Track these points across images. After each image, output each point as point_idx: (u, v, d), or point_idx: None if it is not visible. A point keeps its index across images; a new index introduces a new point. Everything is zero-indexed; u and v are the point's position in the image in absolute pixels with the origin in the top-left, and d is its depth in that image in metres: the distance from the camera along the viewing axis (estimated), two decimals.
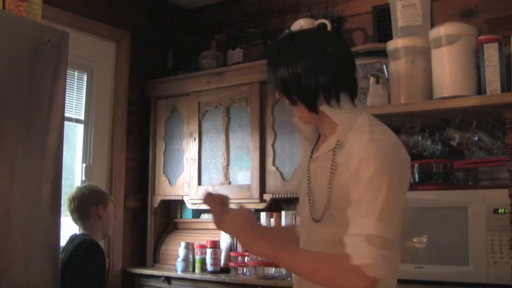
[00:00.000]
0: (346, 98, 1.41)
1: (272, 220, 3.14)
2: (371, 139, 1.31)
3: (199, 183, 3.40)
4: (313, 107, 1.42)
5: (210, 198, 1.50)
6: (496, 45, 2.27)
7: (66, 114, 2.18)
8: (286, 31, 3.24)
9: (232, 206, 1.48)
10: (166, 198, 3.58)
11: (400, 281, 1.41)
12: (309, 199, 1.46)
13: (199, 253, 3.28)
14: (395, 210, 1.28)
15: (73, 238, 2.51)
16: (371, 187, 1.26)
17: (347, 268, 1.24)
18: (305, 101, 1.41)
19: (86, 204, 2.54)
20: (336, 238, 1.32)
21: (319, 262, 1.31)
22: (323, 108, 1.41)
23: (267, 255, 1.36)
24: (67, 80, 2.16)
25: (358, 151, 1.31)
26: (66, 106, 2.13)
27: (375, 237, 1.23)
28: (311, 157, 1.50)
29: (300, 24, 3.12)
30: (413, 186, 2.57)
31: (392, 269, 1.30)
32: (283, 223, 3.05)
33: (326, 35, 1.48)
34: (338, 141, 1.39)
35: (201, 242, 3.30)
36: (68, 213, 2.57)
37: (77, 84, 3.40)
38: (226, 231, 1.49)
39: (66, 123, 2.28)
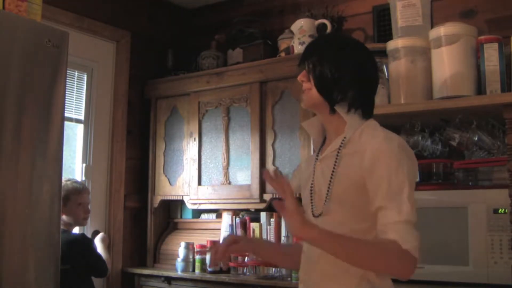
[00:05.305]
0: (362, 111, 1.51)
1: (272, 220, 3.14)
2: (386, 137, 1.43)
3: (199, 183, 3.40)
4: (333, 105, 1.49)
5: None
6: (496, 45, 2.27)
7: (66, 114, 2.18)
8: (286, 30, 3.25)
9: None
10: (166, 198, 3.58)
11: (400, 281, 1.41)
12: (311, 197, 1.52)
13: (199, 253, 3.28)
14: (413, 196, 1.41)
15: None
16: (397, 177, 1.37)
17: (399, 253, 1.34)
18: (330, 98, 1.49)
19: None
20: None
21: (372, 249, 1.37)
22: (339, 108, 1.49)
23: (320, 240, 1.34)
24: (67, 80, 2.16)
25: (376, 147, 1.41)
26: (66, 106, 2.13)
27: (410, 222, 1.37)
28: (317, 158, 1.57)
29: (300, 24, 3.12)
30: None
31: None
32: (283, 223, 3.05)
33: (370, 53, 1.58)
34: (344, 138, 1.48)
35: (201, 242, 3.30)
36: None
37: (77, 84, 3.40)
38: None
39: (66, 123, 2.29)
